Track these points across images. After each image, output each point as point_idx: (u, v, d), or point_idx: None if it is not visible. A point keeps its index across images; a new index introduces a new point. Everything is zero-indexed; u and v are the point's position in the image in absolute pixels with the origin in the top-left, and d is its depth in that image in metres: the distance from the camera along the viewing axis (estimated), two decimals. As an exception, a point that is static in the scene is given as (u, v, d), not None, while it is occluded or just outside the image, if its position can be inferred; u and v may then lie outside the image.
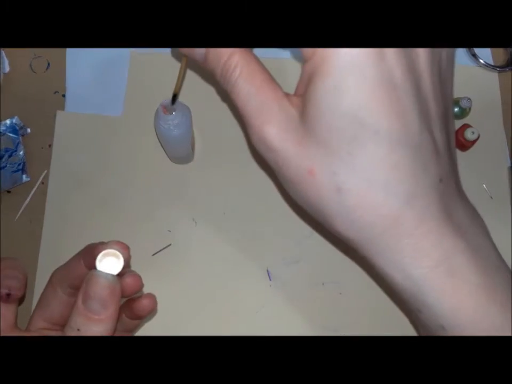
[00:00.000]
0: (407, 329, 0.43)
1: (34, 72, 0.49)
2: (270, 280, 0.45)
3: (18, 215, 0.46)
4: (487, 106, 0.48)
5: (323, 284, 0.44)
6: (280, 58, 0.49)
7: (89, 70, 0.49)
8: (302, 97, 0.31)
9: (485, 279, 0.30)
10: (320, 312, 0.44)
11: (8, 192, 0.46)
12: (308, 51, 0.30)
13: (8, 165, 0.46)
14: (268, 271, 0.45)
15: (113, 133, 0.48)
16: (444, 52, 0.32)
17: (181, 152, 0.45)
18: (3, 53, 0.48)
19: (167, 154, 0.46)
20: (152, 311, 0.36)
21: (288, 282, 0.45)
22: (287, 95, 0.32)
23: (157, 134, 0.43)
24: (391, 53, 0.28)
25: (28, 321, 0.36)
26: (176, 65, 0.48)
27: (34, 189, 0.46)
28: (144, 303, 0.35)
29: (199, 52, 0.33)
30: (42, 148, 0.47)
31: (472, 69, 0.50)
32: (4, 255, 0.45)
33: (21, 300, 0.36)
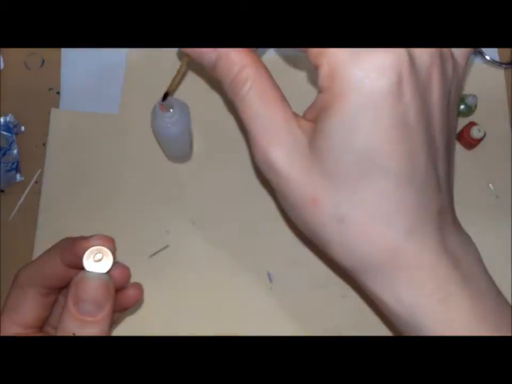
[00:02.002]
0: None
1: (29, 69, 0.48)
2: (271, 281, 0.44)
3: (12, 215, 0.45)
4: (493, 103, 0.48)
5: (324, 286, 0.44)
6: (277, 57, 0.48)
7: (85, 66, 0.48)
8: (313, 124, 0.31)
9: (476, 305, 0.31)
10: (321, 314, 0.43)
11: (2, 191, 0.46)
12: (325, 81, 0.29)
13: (1, 164, 0.45)
14: (268, 272, 0.44)
15: (109, 131, 0.47)
16: (454, 82, 0.32)
17: (178, 150, 0.44)
18: (-2, 50, 0.48)
19: (164, 153, 0.46)
20: (138, 302, 0.34)
21: (289, 284, 0.44)
22: (296, 116, 0.32)
23: (154, 132, 0.42)
24: (408, 94, 0.28)
25: None
26: (174, 61, 0.47)
27: (28, 188, 0.46)
28: (130, 293, 0.34)
29: (208, 58, 0.32)
30: (36, 146, 0.47)
31: (478, 66, 0.49)
32: (-2, 256, 0.44)
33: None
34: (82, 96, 0.47)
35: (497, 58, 0.48)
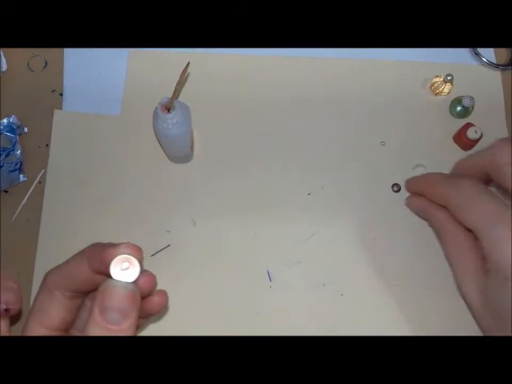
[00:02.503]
0: (406, 330, 0.43)
1: (32, 71, 0.49)
2: (271, 281, 0.44)
3: (15, 215, 0.45)
4: (490, 105, 0.48)
5: (323, 285, 0.44)
6: (278, 56, 0.49)
7: (87, 68, 0.49)
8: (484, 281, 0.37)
9: None
10: (321, 314, 0.43)
11: (5, 192, 0.46)
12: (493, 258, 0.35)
13: (5, 165, 0.46)
14: (268, 272, 0.44)
15: (111, 132, 0.47)
16: None
17: (180, 151, 0.44)
18: (1, 52, 0.48)
19: (166, 154, 0.46)
20: (163, 309, 0.34)
21: (289, 284, 0.44)
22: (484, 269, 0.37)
23: (155, 133, 0.43)
24: None
25: (23, 329, 0.33)
26: (175, 62, 0.48)
27: (31, 189, 0.46)
28: (155, 300, 0.33)
29: (424, 217, 0.47)
30: (39, 147, 0.47)
31: (474, 68, 0.49)
32: (2, 255, 0.44)
33: (18, 314, 0.34)
34: (84, 98, 0.48)
35: (494, 60, 0.49)
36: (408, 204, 0.45)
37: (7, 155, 0.46)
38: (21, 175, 0.46)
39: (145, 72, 0.49)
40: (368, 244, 0.45)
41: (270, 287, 0.44)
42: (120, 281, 0.28)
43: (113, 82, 0.48)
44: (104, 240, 0.45)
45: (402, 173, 0.46)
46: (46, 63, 0.49)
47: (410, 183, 0.45)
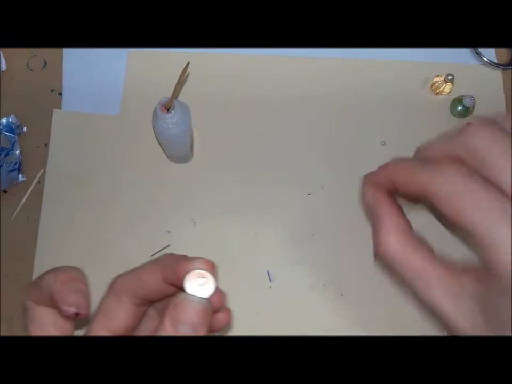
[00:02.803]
0: (407, 330, 0.43)
1: (31, 70, 0.49)
2: (271, 281, 0.44)
3: (14, 215, 0.45)
4: (491, 104, 0.48)
5: (324, 285, 0.44)
6: (278, 56, 0.49)
7: (86, 68, 0.49)
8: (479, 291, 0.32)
9: None
10: (321, 313, 0.43)
11: (5, 191, 0.46)
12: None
13: (4, 165, 0.45)
14: (268, 272, 0.44)
15: (111, 132, 0.47)
16: None
17: (179, 151, 0.44)
18: (0, 51, 0.48)
19: (165, 154, 0.46)
20: (226, 326, 0.33)
21: (289, 284, 0.44)
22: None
23: (155, 133, 0.43)
24: None
25: (87, 328, 0.33)
26: (174, 62, 0.47)
27: (30, 189, 0.46)
28: (220, 317, 0.32)
29: None
30: (38, 147, 0.47)
31: (475, 67, 0.49)
32: (1, 255, 0.44)
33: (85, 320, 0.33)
34: (84, 98, 0.48)
35: (494, 60, 0.49)
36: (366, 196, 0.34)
37: (6, 155, 0.46)
38: (20, 175, 0.46)
39: (145, 72, 0.49)
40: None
41: (270, 287, 0.44)
42: (195, 296, 0.28)
43: (112, 82, 0.48)
44: (104, 239, 0.45)
45: (403, 173, 0.46)
46: (45, 63, 0.49)
47: (375, 173, 0.34)
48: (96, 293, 0.44)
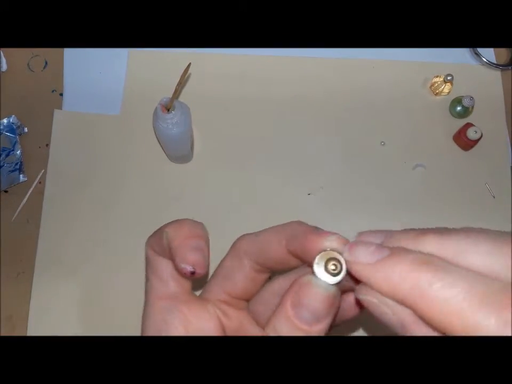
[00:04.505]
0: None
1: (32, 71, 0.49)
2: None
3: (15, 215, 0.45)
4: (490, 105, 0.48)
5: (324, 285, 0.44)
6: (278, 56, 0.49)
7: (87, 68, 0.49)
8: None
9: None
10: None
11: (5, 192, 0.46)
12: None
13: (5, 165, 0.46)
14: (268, 271, 0.44)
15: (111, 132, 0.47)
16: None
17: (180, 151, 0.44)
18: (1, 52, 0.48)
19: (166, 154, 0.46)
20: (354, 316, 0.29)
21: (289, 283, 0.44)
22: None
23: (155, 133, 0.43)
24: None
25: (205, 288, 0.31)
26: (175, 62, 0.48)
27: (31, 189, 0.46)
28: (350, 302, 0.28)
29: None
30: (39, 147, 0.47)
31: (474, 68, 0.49)
32: (2, 255, 0.44)
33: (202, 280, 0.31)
34: (84, 98, 0.48)
35: (494, 60, 0.49)
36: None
37: (7, 155, 0.46)
38: (21, 175, 0.46)
39: (145, 72, 0.49)
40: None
41: (270, 287, 0.44)
42: (323, 281, 0.25)
43: (113, 82, 0.48)
44: (104, 239, 0.45)
45: (402, 173, 0.46)
46: (46, 63, 0.49)
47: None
48: (95, 292, 0.44)
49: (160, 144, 0.45)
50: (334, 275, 0.25)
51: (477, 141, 0.45)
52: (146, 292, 0.29)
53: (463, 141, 0.46)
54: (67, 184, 0.46)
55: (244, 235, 0.30)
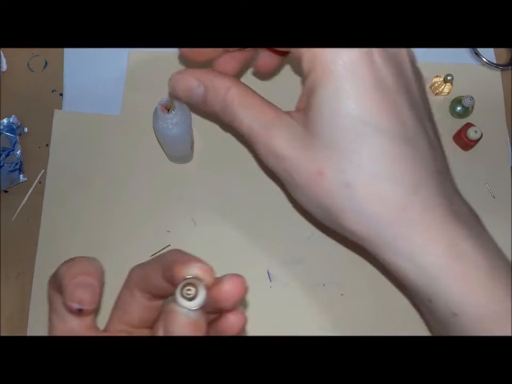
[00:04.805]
0: (407, 330, 0.43)
1: (32, 71, 0.49)
2: (270, 281, 0.44)
3: (15, 215, 0.45)
4: (490, 105, 0.48)
5: (324, 285, 0.44)
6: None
7: (87, 68, 0.49)
8: (304, 110, 0.33)
9: (489, 262, 0.32)
10: (321, 314, 0.43)
11: (6, 192, 0.46)
12: (307, 66, 0.32)
13: (5, 165, 0.46)
14: (268, 272, 0.44)
15: (112, 132, 0.47)
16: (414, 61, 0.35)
17: (180, 151, 0.44)
18: (1, 52, 0.48)
19: (166, 154, 0.46)
20: (240, 332, 0.30)
21: (289, 283, 0.44)
22: (287, 112, 0.35)
23: (155, 133, 0.43)
24: (379, 59, 0.31)
25: (107, 322, 0.33)
26: (175, 62, 0.48)
27: (31, 189, 0.46)
28: (231, 320, 0.30)
29: (197, 94, 0.36)
30: (39, 147, 0.47)
31: (474, 67, 0.49)
32: (2, 255, 0.44)
33: (96, 310, 0.32)
34: (84, 98, 0.48)
35: (494, 60, 0.49)
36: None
37: (7, 155, 0.46)
38: (21, 175, 0.46)
39: (145, 72, 0.49)
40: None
41: (270, 287, 0.44)
42: (183, 309, 0.27)
43: (113, 82, 0.48)
44: (104, 239, 0.45)
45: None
46: (46, 63, 0.49)
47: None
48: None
49: (160, 144, 0.45)
50: (190, 299, 0.26)
51: (477, 141, 0.45)
52: (48, 330, 0.31)
53: (463, 141, 0.46)
54: (67, 184, 0.46)
55: (134, 267, 0.32)
